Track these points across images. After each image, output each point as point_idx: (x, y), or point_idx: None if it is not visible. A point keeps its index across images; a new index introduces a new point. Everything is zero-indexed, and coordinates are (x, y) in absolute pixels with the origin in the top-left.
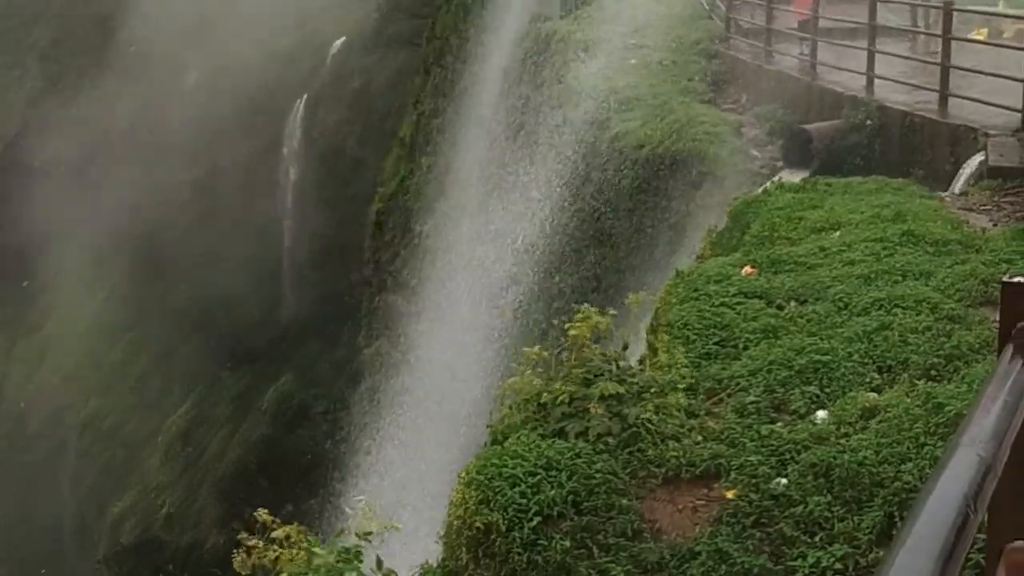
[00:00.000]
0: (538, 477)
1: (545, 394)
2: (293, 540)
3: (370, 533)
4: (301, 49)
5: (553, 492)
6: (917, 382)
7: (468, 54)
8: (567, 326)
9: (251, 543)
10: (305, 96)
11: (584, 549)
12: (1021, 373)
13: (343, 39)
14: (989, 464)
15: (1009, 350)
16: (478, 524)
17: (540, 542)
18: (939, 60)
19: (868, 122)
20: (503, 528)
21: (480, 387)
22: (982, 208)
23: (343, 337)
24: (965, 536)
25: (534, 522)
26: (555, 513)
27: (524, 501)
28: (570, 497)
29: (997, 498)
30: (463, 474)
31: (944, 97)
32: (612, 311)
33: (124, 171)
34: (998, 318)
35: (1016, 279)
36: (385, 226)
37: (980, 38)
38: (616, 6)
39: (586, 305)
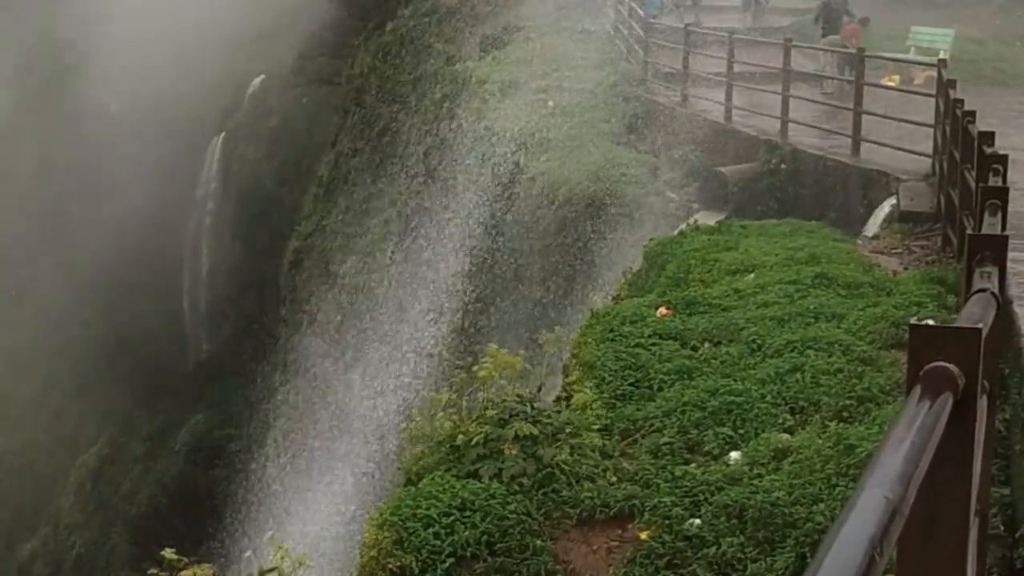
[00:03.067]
0: (452, 518)
1: (460, 435)
2: None
3: (273, 570)
4: (219, 85)
5: (467, 533)
6: (829, 423)
7: (386, 94)
8: (476, 367)
9: None
10: (223, 133)
11: None
12: (928, 415)
13: (262, 76)
14: (896, 506)
15: (917, 392)
16: (391, 566)
17: None
18: (851, 105)
19: (783, 165)
20: (416, 570)
21: (396, 428)
22: (893, 251)
23: (258, 375)
24: None
25: (447, 563)
26: (469, 554)
27: (438, 542)
28: (484, 538)
29: (905, 541)
30: (376, 515)
31: (856, 142)
32: (522, 352)
33: (36, 206)
34: None
35: (924, 322)
36: (302, 265)
37: (892, 84)
38: (533, 48)
39: (493, 345)
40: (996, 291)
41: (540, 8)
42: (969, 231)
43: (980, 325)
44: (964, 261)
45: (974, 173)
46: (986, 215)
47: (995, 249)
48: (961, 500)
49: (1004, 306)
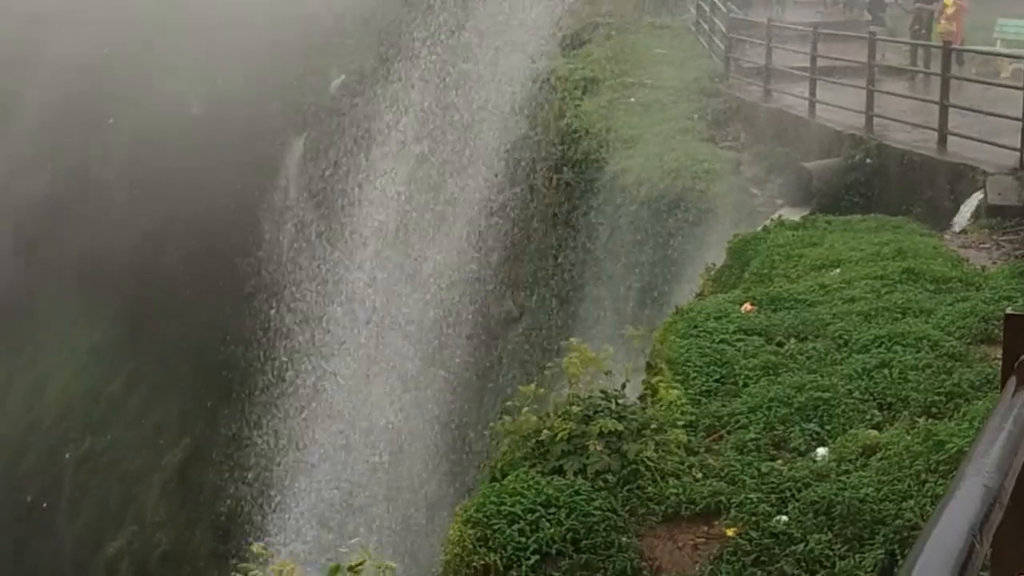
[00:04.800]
0: (537, 515)
1: (544, 431)
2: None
3: (361, 563)
4: (301, 85)
5: (552, 530)
6: (918, 419)
7: (467, 92)
8: (564, 361)
9: (251, 573)
10: (305, 134)
11: None
12: None
13: (343, 76)
14: (995, 495)
15: (1013, 383)
16: (475, 563)
17: None
18: (937, 99)
19: (867, 160)
20: (501, 567)
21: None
22: (981, 246)
23: (341, 369)
24: (971, 566)
25: (532, 560)
26: (554, 551)
27: (523, 539)
28: (569, 535)
29: (1001, 531)
30: (461, 511)
31: (943, 136)
32: (608, 347)
33: (119, 206)
34: (998, 355)
35: (1019, 311)
36: (383, 265)
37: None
38: (613, 45)
39: (576, 340)
40: None
41: (620, 4)
42: None
43: None
44: None
45: None
46: None
47: None
48: None
49: None
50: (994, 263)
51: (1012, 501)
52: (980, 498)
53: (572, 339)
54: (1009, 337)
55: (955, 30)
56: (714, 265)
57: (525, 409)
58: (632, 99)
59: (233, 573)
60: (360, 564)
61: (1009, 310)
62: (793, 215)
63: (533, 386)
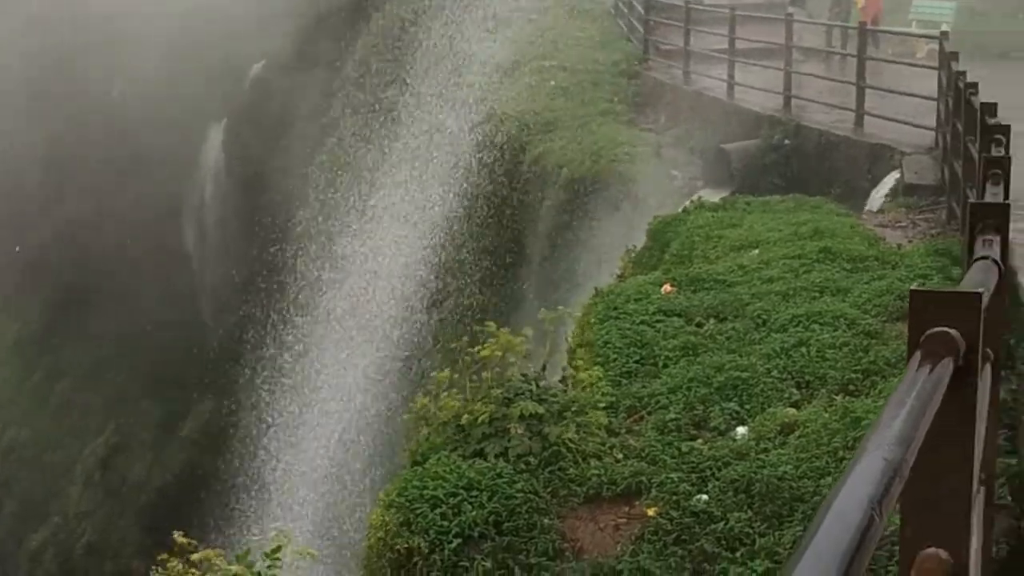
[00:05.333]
0: (459, 498)
1: (465, 415)
2: (213, 564)
3: (278, 550)
4: (220, 71)
5: (474, 513)
6: (835, 397)
7: (388, 77)
8: (479, 347)
9: (170, 564)
10: (225, 119)
11: (505, 570)
12: (928, 380)
13: (263, 61)
14: (895, 468)
15: (917, 357)
16: (399, 547)
17: (462, 564)
18: (854, 80)
19: (786, 141)
20: (424, 551)
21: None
22: (898, 225)
23: (265, 361)
24: (870, 539)
25: (455, 544)
26: (476, 534)
27: (445, 523)
28: (491, 518)
29: (909, 506)
30: (383, 496)
31: (860, 116)
32: (527, 331)
33: (40, 191)
34: None
35: (924, 288)
36: (308, 249)
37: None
38: (534, 28)
39: (494, 324)
40: (998, 258)
41: None
42: (972, 201)
43: (981, 290)
44: (966, 231)
45: (977, 144)
46: (988, 185)
47: (996, 217)
48: (963, 465)
49: (1009, 277)
50: (910, 241)
51: (919, 474)
52: (880, 472)
53: (490, 323)
54: (914, 313)
55: (876, 11)
56: (635, 247)
57: (445, 393)
58: (552, 82)
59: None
60: (277, 550)
61: (914, 287)
62: (713, 196)
63: (450, 371)
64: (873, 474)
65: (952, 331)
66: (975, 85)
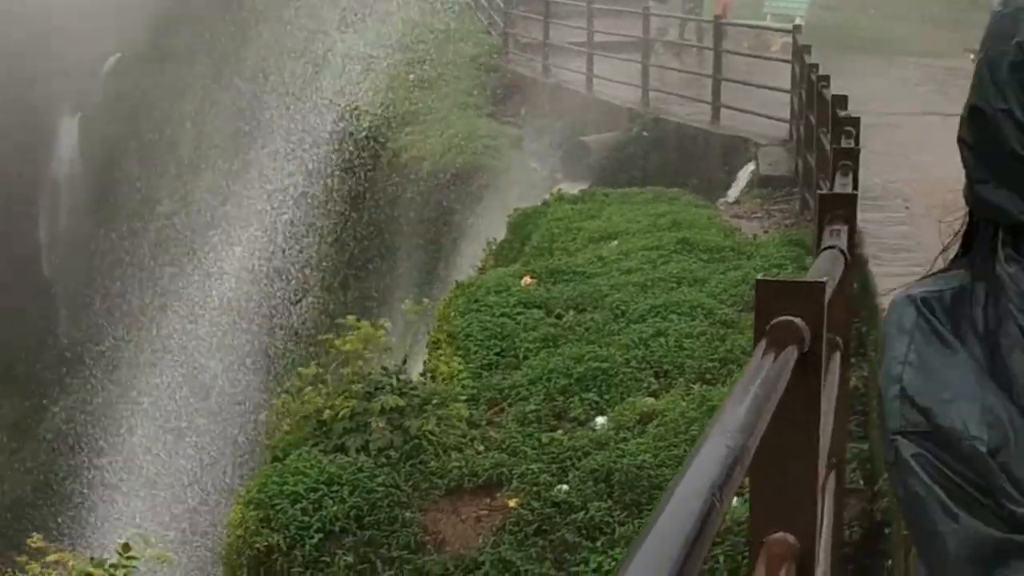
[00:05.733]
0: (320, 493)
1: (326, 410)
2: (69, 565)
3: (128, 548)
4: (75, 64)
5: (335, 508)
6: (692, 386)
7: (247, 71)
8: (341, 340)
9: (29, 567)
10: (80, 113)
11: (367, 564)
12: (773, 367)
13: (118, 55)
14: (737, 455)
15: (763, 345)
16: (259, 545)
17: (323, 559)
18: (711, 73)
19: (644, 133)
20: (284, 548)
21: (264, 404)
22: (754, 216)
23: (123, 359)
24: (710, 524)
25: (316, 539)
26: (337, 529)
27: (306, 519)
28: (352, 512)
29: (757, 491)
30: (243, 494)
31: (716, 109)
32: (387, 324)
33: None
34: None
35: (769, 277)
36: (166, 245)
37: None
38: (394, 22)
39: (354, 318)
40: (844, 248)
41: None
42: (820, 192)
43: (824, 279)
44: (816, 221)
45: (829, 136)
46: (837, 176)
47: (844, 208)
48: (808, 451)
49: (860, 265)
50: (765, 232)
51: (764, 460)
52: (722, 458)
53: (351, 317)
54: (760, 303)
55: (727, 3)
56: (496, 240)
57: (307, 388)
58: (413, 75)
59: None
60: (127, 548)
61: (760, 277)
62: (573, 189)
63: (314, 366)
64: (715, 461)
65: (796, 320)
66: (827, 78)
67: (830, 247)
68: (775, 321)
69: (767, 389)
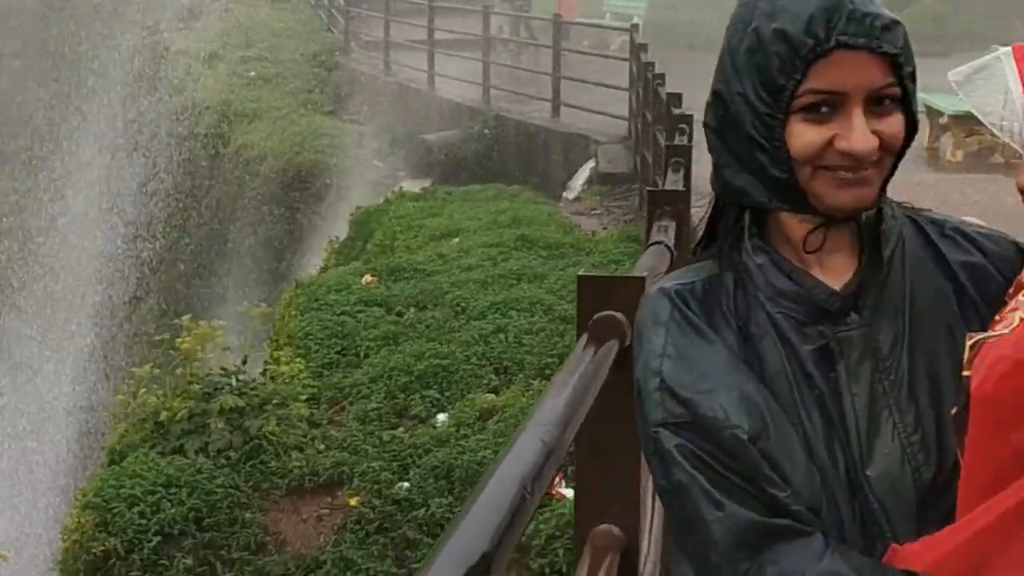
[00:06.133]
0: (158, 496)
1: (164, 412)
2: None
3: None
4: None
5: (174, 510)
6: (532, 381)
7: (84, 66)
8: (180, 340)
9: None
10: None
11: (207, 566)
12: (592, 362)
13: None
14: (551, 448)
15: (584, 339)
16: (95, 550)
17: (161, 563)
18: (551, 71)
19: (486, 131)
20: (122, 552)
21: (101, 407)
22: (593, 212)
23: None
24: (521, 516)
25: (154, 543)
26: (176, 532)
27: (144, 522)
28: (191, 514)
29: (581, 484)
30: (79, 497)
31: (556, 106)
32: (224, 324)
33: None
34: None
35: (590, 273)
36: (1, 245)
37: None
38: (233, 19)
39: (189, 318)
40: (671, 244)
41: None
42: (649, 188)
43: (645, 274)
44: (646, 217)
45: (664, 133)
46: (669, 172)
47: (673, 204)
48: (628, 444)
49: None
50: (604, 228)
51: (585, 453)
52: (536, 452)
53: (188, 317)
54: (582, 298)
55: (570, 2)
56: (337, 238)
57: (143, 390)
58: (253, 73)
59: None
60: None
61: (581, 272)
62: (415, 187)
63: (150, 366)
64: (529, 454)
65: (617, 314)
66: (662, 76)
67: (656, 243)
68: (596, 316)
69: (585, 383)
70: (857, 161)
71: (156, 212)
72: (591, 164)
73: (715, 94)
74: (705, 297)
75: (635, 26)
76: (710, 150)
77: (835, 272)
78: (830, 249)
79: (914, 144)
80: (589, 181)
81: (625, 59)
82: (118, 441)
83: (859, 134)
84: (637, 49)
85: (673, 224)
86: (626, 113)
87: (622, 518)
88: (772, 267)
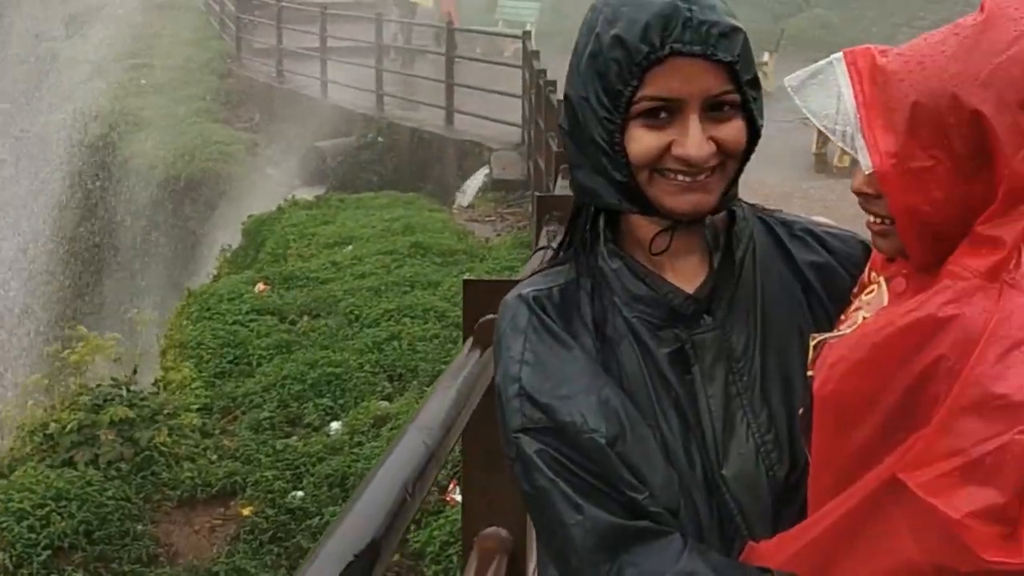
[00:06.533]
0: (47, 509)
1: (52, 423)
2: None
3: None
4: None
5: (63, 524)
6: (426, 388)
7: None
8: (69, 352)
9: None
10: None
11: None
12: (476, 366)
13: None
14: (432, 451)
15: (469, 343)
16: None
17: None
18: (444, 78)
19: (379, 139)
20: (11, 566)
21: None
22: (487, 219)
23: None
24: (402, 517)
25: (44, 557)
26: (67, 545)
27: (33, 536)
28: (82, 527)
29: (467, 486)
30: None
31: (450, 113)
32: (116, 335)
33: None
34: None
35: (475, 278)
36: None
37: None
38: (122, 26)
39: (83, 328)
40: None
41: None
42: (537, 194)
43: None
44: (534, 222)
45: (555, 140)
46: (559, 178)
47: (562, 209)
48: None
49: None
50: (498, 235)
51: (470, 456)
52: (418, 454)
53: (79, 327)
54: (467, 302)
55: (451, 8)
56: (230, 247)
57: (31, 402)
58: (143, 81)
59: None
60: None
61: (466, 277)
62: (308, 194)
63: (38, 376)
64: (410, 456)
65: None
66: (554, 83)
67: (542, 248)
68: (481, 320)
69: (469, 386)
70: (694, 167)
71: (45, 222)
72: (485, 171)
73: (566, 98)
74: (563, 302)
75: (527, 33)
76: (566, 151)
77: (688, 275)
78: (682, 252)
79: (803, 150)
80: (483, 188)
81: (518, 66)
82: (6, 455)
83: (694, 140)
84: (530, 56)
85: (562, 229)
86: (519, 120)
87: (509, 521)
88: (627, 272)
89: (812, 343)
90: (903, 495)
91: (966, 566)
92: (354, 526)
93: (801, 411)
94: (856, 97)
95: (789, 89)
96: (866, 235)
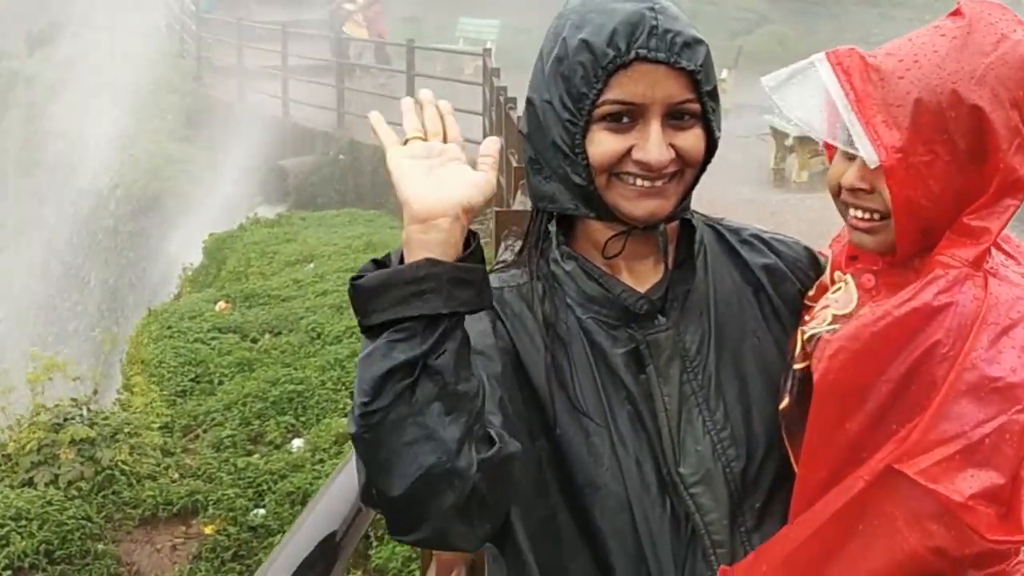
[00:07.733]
0: (7, 529)
1: (11, 443)
2: None
3: None
4: None
5: (24, 543)
6: None
7: None
8: (28, 371)
9: None
10: None
11: None
12: None
13: None
14: None
15: None
16: None
17: None
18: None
19: (341, 156)
20: None
21: None
22: None
23: None
24: (357, 525)
25: None
26: (27, 565)
27: None
28: (42, 547)
29: None
30: None
31: None
32: (74, 354)
33: None
34: None
35: None
36: None
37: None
38: (83, 45)
39: (36, 349)
40: None
41: (88, 4)
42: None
43: None
44: (493, 237)
45: (515, 156)
46: (518, 193)
47: (520, 224)
48: None
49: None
50: None
51: None
52: None
53: (35, 349)
54: None
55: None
56: (191, 265)
57: None
58: (104, 98)
59: None
60: None
61: None
62: (270, 212)
63: None
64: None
65: None
66: (514, 100)
67: (501, 262)
68: None
69: None
70: (652, 171)
71: (3, 242)
72: None
73: (528, 102)
74: (517, 299)
75: (488, 51)
76: (525, 156)
77: (642, 277)
78: (637, 255)
79: (761, 164)
80: None
81: (479, 84)
82: None
83: (654, 145)
84: (490, 73)
85: (519, 243)
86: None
87: None
88: (581, 273)
89: (802, 337)
90: (897, 487)
91: (969, 548)
92: (309, 534)
93: (783, 404)
94: (847, 95)
95: (767, 88)
96: (809, 243)
